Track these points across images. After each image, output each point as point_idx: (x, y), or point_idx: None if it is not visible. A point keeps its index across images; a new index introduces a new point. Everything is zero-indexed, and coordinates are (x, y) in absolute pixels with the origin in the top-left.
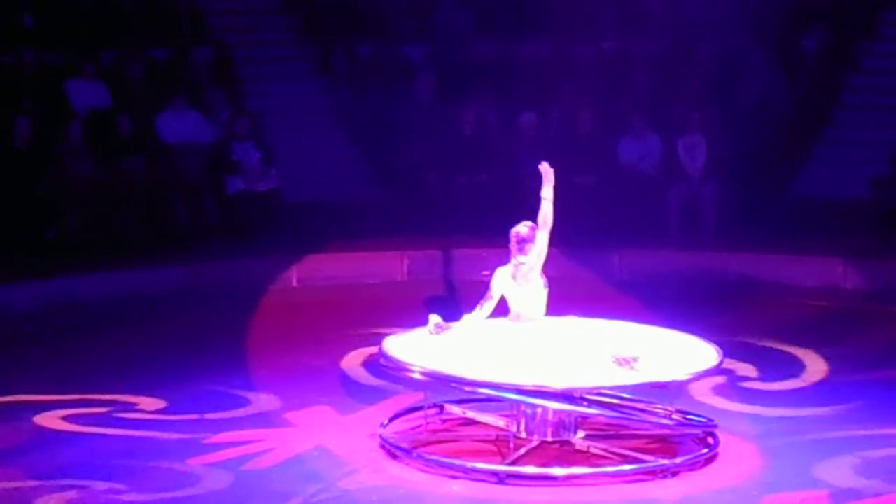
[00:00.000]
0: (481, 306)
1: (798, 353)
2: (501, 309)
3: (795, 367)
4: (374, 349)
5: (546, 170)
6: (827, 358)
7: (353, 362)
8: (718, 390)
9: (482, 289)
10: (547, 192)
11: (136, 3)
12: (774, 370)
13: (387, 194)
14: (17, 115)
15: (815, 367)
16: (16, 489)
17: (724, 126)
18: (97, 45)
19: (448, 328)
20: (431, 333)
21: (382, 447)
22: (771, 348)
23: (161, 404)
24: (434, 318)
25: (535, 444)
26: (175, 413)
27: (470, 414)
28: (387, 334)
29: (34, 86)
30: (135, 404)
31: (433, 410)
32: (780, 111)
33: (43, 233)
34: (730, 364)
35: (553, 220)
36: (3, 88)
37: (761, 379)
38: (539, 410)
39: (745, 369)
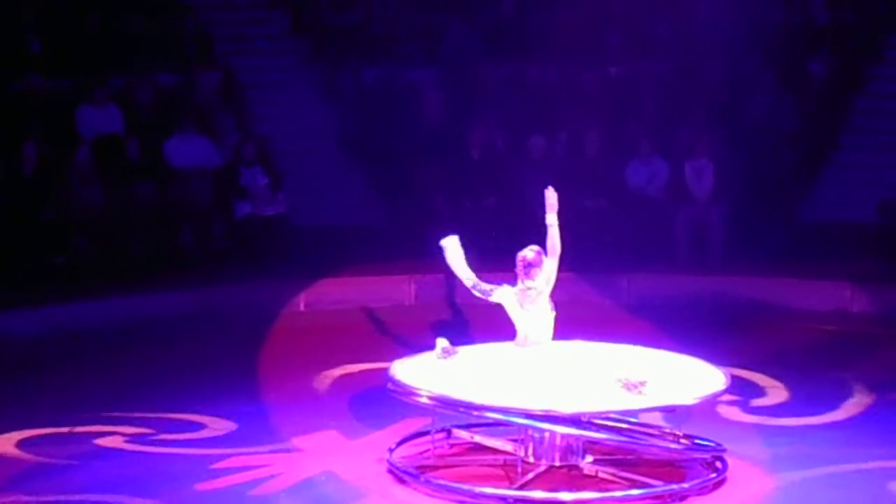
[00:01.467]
0: (478, 282)
1: (805, 377)
2: (508, 333)
3: (804, 391)
4: (382, 373)
5: (550, 195)
6: (836, 382)
7: (359, 387)
8: (726, 414)
9: (490, 312)
10: (552, 219)
11: (144, 28)
12: (783, 394)
13: (394, 218)
14: (25, 140)
15: (823, 392)
16: None
17: (731, 149)
18: (105, 71)
19: (455, 352)
20: (439, 358)
21: (390, 472)
22: (778, 372)
23: (167, 430)
24: (441, 342)
25: (543, 468)
26: (182, 438)
27: (478, 438)
28: (394, 358)
29: (42, 111)
30: (142, 431)
31: (441, 435)
32: (787, 135)
33: (52, 258)
34: (737, 388)
35: (561, 245)
36: (12, 114)
37: (770, 403)
38: (547, 435)
39: (754, 393)
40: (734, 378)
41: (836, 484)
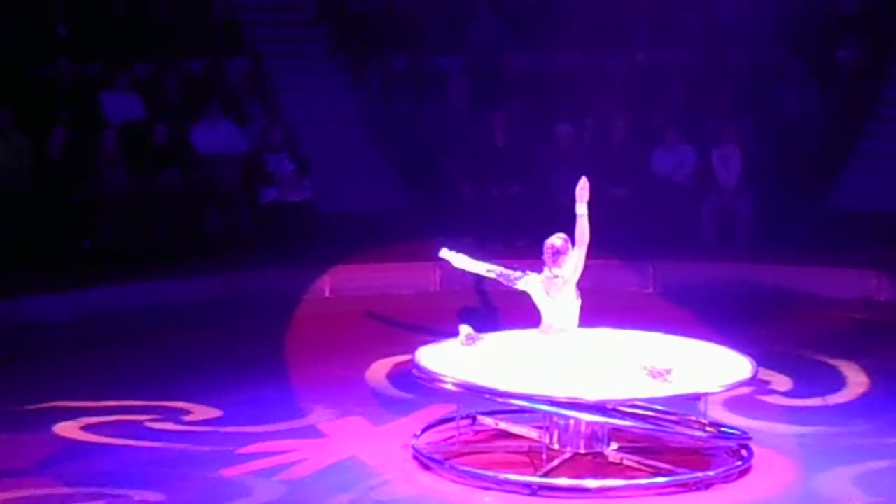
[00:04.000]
0: (502, 271)
1: (833, 365)
2: (534, 320)
3: (831, 380)
4: (407, 360)
5: (582, 186)
6: (862, 370)
7: (386, 373)
8: (752, 402)
9: (514, 300)
10: (581, 209)
11: (172, 15)
12: (809, 382)
13: (420, 205)
14: (53, 125)
15: (851, 379)
16: (48, 496)
17: (758, 137)
18: (132, 56)
19: (480, 339)
20: (463, 344)
21: (415, 458)
22: (805, 360)
23: (194, 414)
24: (465, 329)
25: (567, 455)
26: (208, 423)
27: (502, 425)
28: (420, 345)
29: (69, 96)
30: (168, 414)
31: (466, 421)
32: (814, 122)
33: (79, 243)
34: (764, 376)
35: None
36: (40, 99)
37: (795, 391)
38: (572, 422)
39: (780, 381)
40: (760, 365)
41: (861, 473)
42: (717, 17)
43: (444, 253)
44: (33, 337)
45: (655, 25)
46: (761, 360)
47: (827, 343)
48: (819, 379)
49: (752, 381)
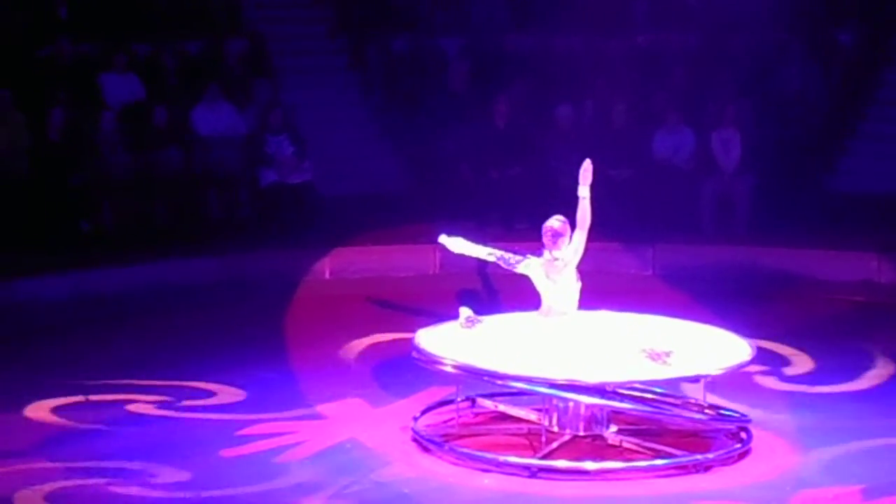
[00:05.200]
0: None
1: (831, 347)
2: (534, 303)
3: (829, 362)
4: (406, 342)
5: (585, 168)
6: (860, 352)
7: (384, 355)
8: (752, 385)
9: (514, 282)
10: (584, 191)
11: None
12: (808, 364)
13: (420, 187)
14: (52, 106)
15: (849, 362)
16: (47, 476)
17: (758, 120)
18: (132, 37)
19: (479, 321)
20: (463, 327)
21: (414, 440)
22: (804, 343)
23: (193, 396)
24: (465, 312)
25: (567, 438)
26: (207, 404)
27: (502, 408)
28: (419, 327)
29: (69, 77)
30: (168, 396)
31: (465, 404)
32: (814, 105)
33: (77, 224)
34: (762, 358)
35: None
36: (39, 80)
37: (795, 373)
38: (571, 404)
39: (779, 363)
40: (759, 348)
41: (861, 456)
42: None
43: (443, 239)
44: (32, 318)
45: (656, 8)
46: (760, 342)
47: (827, 326)
48: (818, 361)
49: (751, 363)
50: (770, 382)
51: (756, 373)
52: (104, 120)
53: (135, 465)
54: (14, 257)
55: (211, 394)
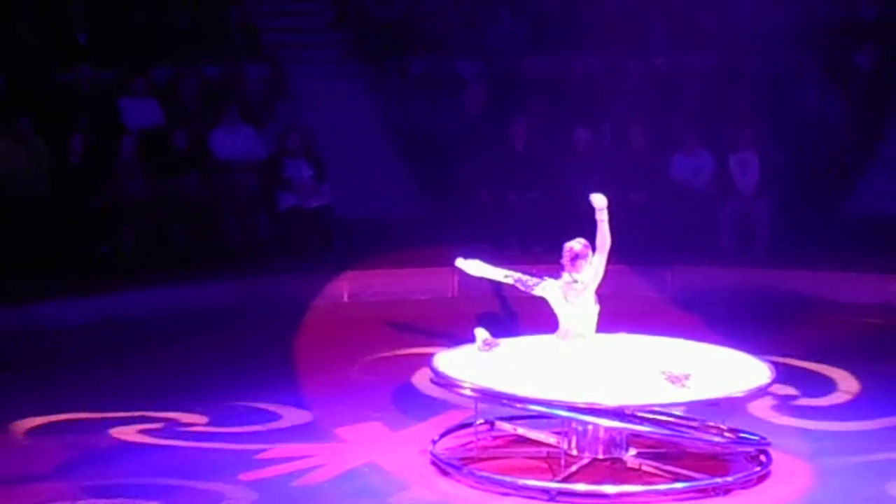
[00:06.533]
0: (519, 277)
1: (852, 370)
2: (551, 326)
3: (850, 385)
4: (425, 365)
5: (596, 199)
6: (881, 376)
7: (404, 378)
8: (772, 408)
9: (532, 305)
10: (602, 215)
11: (189, 20)
12: (828, 388)
13: (438, 210)
14: (73, 132)
15: (870, 385)
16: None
17: (776, 142)
18: (151, 62)
19: (497, 344)
20: (480, 350)
21: (433, 463)
22: (824, 366)
23: (212, 419)
24: (481, 334)
25: (586, 461)
26: (227, 428)
27: (521, 431)
28: (438, 350)
29: (89, 102)
30: (187, 420)
31: (484, 427)
32: (833, 128)
33: (97, 248)
34: (783, 382)
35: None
36: (60, 105)
37: (815, 397)
38: (590, 427)
39: (798, 387)
40: (779, 371)
41: (879, 479)
42: (734, 21)
43: (460, 262)
44: (51, 342)
45: (674, 30)
46: (780, 365)
47: (847, 349)
48: (838, 384)
49: (771, 386)
50: (788, 405)
51: (775, 395)
52: (124, 144)
53: (152, 489)
54: (33, 281)
55: (229, 417)
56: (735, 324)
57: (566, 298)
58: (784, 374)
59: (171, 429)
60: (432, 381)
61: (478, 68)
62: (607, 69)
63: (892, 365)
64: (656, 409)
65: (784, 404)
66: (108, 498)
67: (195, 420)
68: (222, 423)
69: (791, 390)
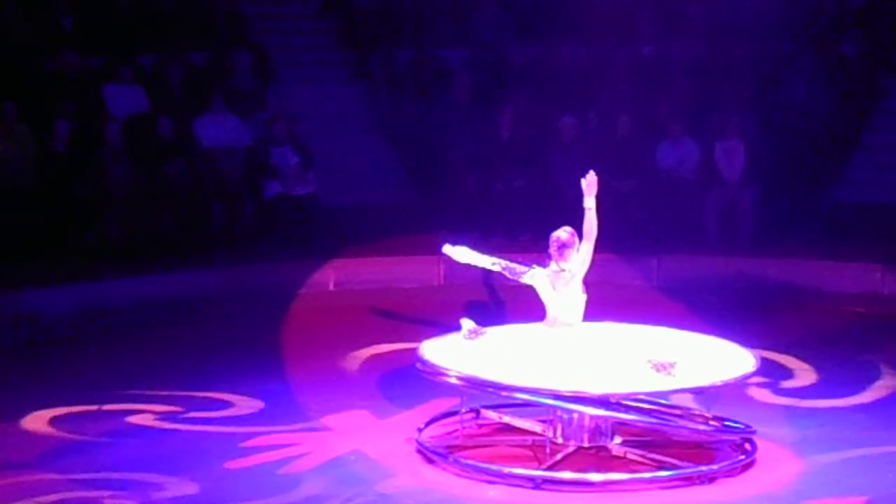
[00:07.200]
0: (507, 265)
1: (836, 358)
2: (538, 314)
3: (833, 373)
4: (411, 353)
5: (589, 181)
6: (865, 364)
7: (388, 366)
8: (756, 396)
9: (519, 293)
10: (589, 203)
11: (175, 7)
12: (812, 376)
13: (424, 198)
14: (58, 118)
15: (853, 373)
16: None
17: (762, 131)
18: (136, 49)
19: (482, 332)
20: (466, 338)
21: (419, 451)
22: (809, 354)
23: (197, 408)
24: (467, 323)
25: (571, 449)
26: (212, 415)
27: (506, 419)
28: (424, 338)
29: (74, 89)
30: (172, 409)
31: (469, 415)
32: (818, 116)
33: (82, 236)
34: (767, 370)
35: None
36: (45, 92)
37: (799, 385)
38: (576, 416)
39: (783, 375)
40: (763, 360)
41: (864, 467)
42: (721, 10)
43: (448, 249)
44: (36, 329)
45: (660, 19)
46: (765, 353)
47: (830, 337)
48: (821, 372)
49: (756, 374)
50: (774, 394)
51: (760, 384)
52: (109, 131)
53: (138, 477)
54: (19, 268)
55: (215, 405)
56: (721, 312)
57: (553, 287)
58: (768, 362)
59: (156, 418)
60: (418, 369)
61: (464, 56)
62: (593, 58)
63: (877, 353)
64: (642, 397)
65: (768, 392)
66: (93, 488)
67: (180, 409)
68: (207, 411)
69: (774, 378)
